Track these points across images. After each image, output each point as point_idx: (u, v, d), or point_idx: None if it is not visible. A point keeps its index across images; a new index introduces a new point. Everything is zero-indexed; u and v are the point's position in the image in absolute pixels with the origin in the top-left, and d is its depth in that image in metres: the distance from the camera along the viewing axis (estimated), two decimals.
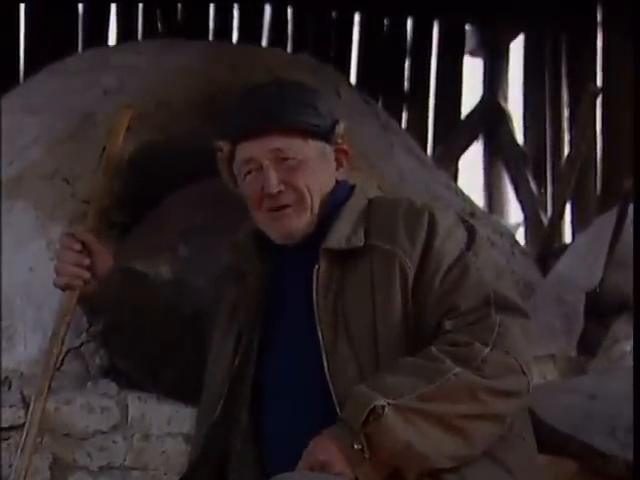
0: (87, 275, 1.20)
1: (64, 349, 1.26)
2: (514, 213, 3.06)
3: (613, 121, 2.61)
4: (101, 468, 1.29)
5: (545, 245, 2.15)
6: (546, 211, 2.90)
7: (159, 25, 2.79)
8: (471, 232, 1.10)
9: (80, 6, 2.74)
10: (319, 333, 1.03)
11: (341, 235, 1.08)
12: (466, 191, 2.02)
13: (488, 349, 0.99)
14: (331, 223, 1.09)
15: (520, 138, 3.05)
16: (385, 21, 2.98)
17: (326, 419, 1.00)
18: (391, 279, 1.04)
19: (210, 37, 2.80)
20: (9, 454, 1.26)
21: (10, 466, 1.20)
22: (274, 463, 1.04)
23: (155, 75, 1.68)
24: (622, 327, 1.73)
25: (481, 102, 3.11)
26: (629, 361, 1.61)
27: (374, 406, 0.95)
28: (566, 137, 2.90)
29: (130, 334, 1.23)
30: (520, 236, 2.81)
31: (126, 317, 1.22)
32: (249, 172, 1.10)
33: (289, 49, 2.84)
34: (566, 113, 2.90)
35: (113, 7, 2.78)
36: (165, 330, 1.22)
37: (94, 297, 1.22)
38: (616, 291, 1.77)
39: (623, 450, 1.33)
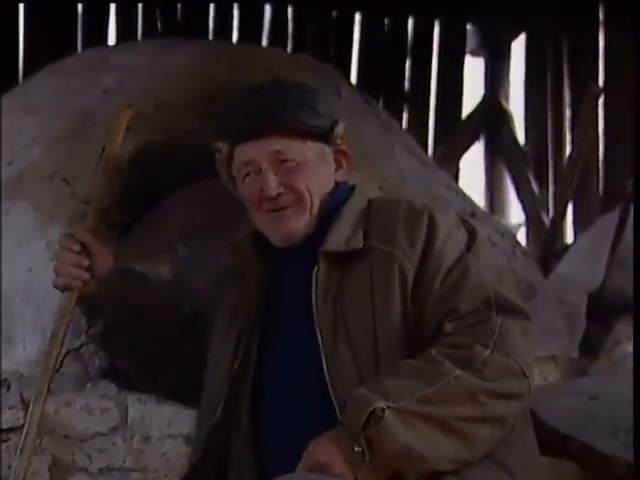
0: (86, 276, 1.20)
1: (63, 350, 1.26)
2: (515, 213, 3.06)
3: (615, 121, 2.60)
4: (101, 470, 1.29)
5: (547, 246, 2.15)
6: (548, 211, 2.90)
7: (159, 25, 2.78)
8: (471, 233, 1.09)
9: (79, 6, 2.74)
10: (318, 335, 1.03)
11: (340, 237, 1.07)
12: (467, 191, 2.01)
13: (488, 351, 0.99)
14: (330, 224, 1.09)
15: (521, 138, 3.05)
16: (386, 21, 2.98)
17: (326, 421, 1.00)
18: (390, 281, 1.04)
19: (210, 37, 2.79)
20: (8, 456, 1.26)
21: (9, 468, 1.20)
22: (274, 465, 1.03)
23: (155, 75, 1.68)
24: (624, 328, 1.72)
25: (482, 102, 3.11)
26: (631, 362, 1.60)
27: (374, 409, 0.95)
28: (568, 137, 2.90)
29: (130, 335, 1.22)
30: (521, 237, 2.81)
31: (126, 318, 1.22)
32: (248, 174, 1.10)
33: (289, 49, 2.84)
34: (568, 113, 2.89)
35: (112, 7, 2.77)
36: (165, 331, 1.21)
37: (93, 298, 1.21)
38: (618, 292, 1.77)
39: (625, 451, 1.33)
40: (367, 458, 0.94)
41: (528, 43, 3.03)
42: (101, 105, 1.61)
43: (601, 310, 1.79)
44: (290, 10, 2.90)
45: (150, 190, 1.55)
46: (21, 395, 1.30)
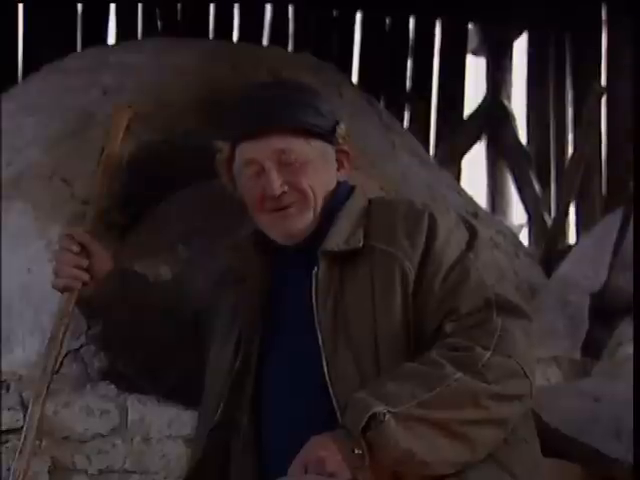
0: (86, 277, 1.19)
1: (63, 351, 1.25)
2: (517, 214, 3.06)
3: (618, 121, 2.59)
4: (100, 471, 1.28)
5: (549, 246, 2.14)
6: (550, 212, 2.89)
7: (159, 24, 2.77)
8: (472, 233, 1.09)
9: (79, 5, 2.73)
10: (319, 335, 1.03)
11: (340, 237, 1.07)
12: (469, 191, 2.01)
13: (489, 353, 0.98)
14: (331, 224, 1.08)
15: (523, 138, 3.04)
16: (387, 20, 2.96)
17: (326, 421, 1.00)
18: (391, 281, 1.04)
19: (210, 36, 2.78)
20: (8, 457, 1.25)
21: (9, 469, 1.19)
22: (274, 465, 1.03)
23: (155, 74, 1.67)
24: (627, 329, 1.71)
25: (484, 102, 3.10)
26: None
27: (374, 413, 0.94)
28: (570, 137, 2.89)
29: (129, 336, 1.22)
30: (524, 237, 2.80)
31: (125, 318, 1.22)
32: (250, 174, 1.09)
33: (290, 48, 2.83)
34: (570, 112, 2.88)
35: (112, 6, 2.76)
36: (165, 331, 1.21)
37: (93, 299, 1.21)
38: (621, 292, 1.76)
39: (628, 453, 1.32)
40: (367, 461, 0.93)
41: (530, 42, 3.02)
42: (101, 105, 1.61)
43: (604, 311, 1.78)
44: (291, 9, 2.89)
45: (150, 190, 1.54)
46: (20, 396, 1.30)
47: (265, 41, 2.85)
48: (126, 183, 1.50)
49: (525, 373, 0.99)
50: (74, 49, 2.61)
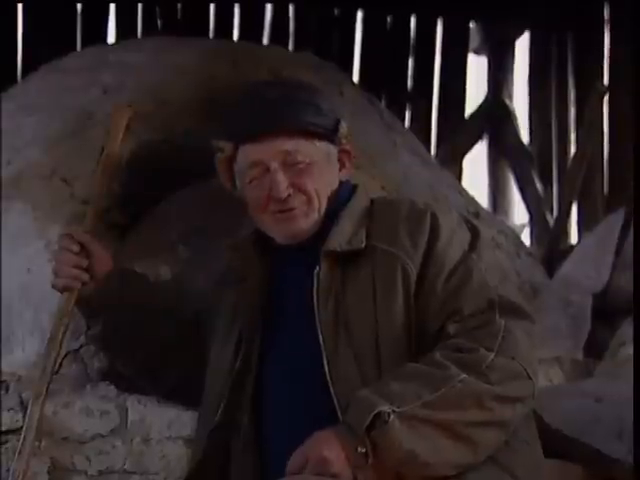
0: (86, 277, 1.19)
1: (62, 352, 1.25)
2: (519, 213, 3.05)
3: (620, 120, 2.58)
4: (100, 472, 1.28)
5: (551, 246, 2.13)
6: (552, 211, 2.89)
7: (159, 23, 2.77)
8: (474, 233, 1.09)
9: (79, 4, 2.72)
10: (320, 335, 1.02)
11: (342, 237, 1.07)
12: (470, 191, 2.00)
13: (493, 355, 0.98)
14: (333, 224, 1.08)
15: (525, 137, 3.03)
16: (388, 19, 2.96)
17: (327, 421, 0.99)
18: (393, 281, 1.03)
19: (211, 35, 2.78)
20: (7, 458, 1.24)
21: (8, 470, 1.18)
22: (275, 466, 1.02)
23: (155, 74, 1.67)
24: (629, 329, 1.71)
25: (486, 101, 3.09)
26: None
27: (379, 412, 0.93)
28: (572, 136, 2.88)
29: (129, 336, 1.22)
30: (525, 237, 2.79)
31: (125, 318, 1.21)
32: (255, 175, 1.08)
33: (291, 47, 2.82)
34: (572, 112, 2.88)
35: (112, 5, 2.75)
36: (165, 331, 1.21)
37: (93, 299, 1.21)
38: (623, 292, 1.75)
39: (630, 454, 1.31)
40: (370, 460, 0.93)
41: (532, 41, 3.01)
42: (100, 104, 1.60)
43: (606, 311, 1.77)
44: (291, 8, 2.88)
45: (150, 190, 1.54)
46: (20, 397, 1.29)
47: (265, 40, 2.84)
48: (126, 183, 1.49)
49: (528, 374, 0.99)
50: (74, 48, 2.60)
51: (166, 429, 1.29)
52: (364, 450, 0.93)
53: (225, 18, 2.83)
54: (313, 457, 0.94)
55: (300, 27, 2.88)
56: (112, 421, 1.29)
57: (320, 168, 1.08)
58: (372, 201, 1.13)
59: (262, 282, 1.10)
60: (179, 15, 2.80)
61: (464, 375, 0.96)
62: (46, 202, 1.51)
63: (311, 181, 1.07)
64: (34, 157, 1.56)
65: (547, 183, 2.93)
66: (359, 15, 2.94)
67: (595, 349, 1.75)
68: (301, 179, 1.07)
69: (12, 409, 1.28)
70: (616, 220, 1.85)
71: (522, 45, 3.06)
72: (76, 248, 1.19)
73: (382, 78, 2.93)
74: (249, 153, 1.08)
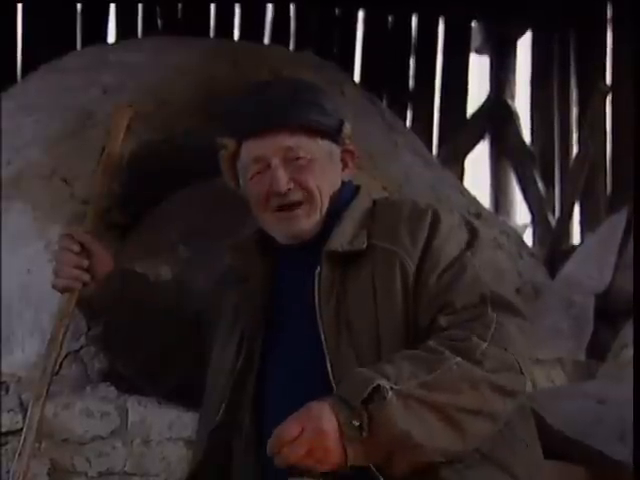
0: (86, 277, 1.19)
1: (63, 352, 1.25)
2: (521, 214, 3.04)
3: (623, 120, 2.57)
4: (100, 474, 1.27)
5: (553, 246, 2.13)
6: (554, 212, 2.88)
7: (159, 22, 2.76)
8: (473, 234, 1.08)
9: (79, 4, 2.72)
10: (322, 335, 1.02)
11: (344, 237, 1.06)
12: (472, 191, 1.99)
13: (486, 344, 0.97)
14: (335, 224, 1.08)
15: (527, 137, 3.02)
16: (389, 18, 2.95)
17: None
18: (392, 278, 1.03)
19: (211, 35, 2.77)
20: (7, 460, 1.24)
21: (8, 472, 1.18)
22: (276, 467, 1.01)
23: (155, 73, 1.66)
24: (632, 331, 1.70)
25: (487, 101, 3.08)
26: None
27: (378, 385, 0.92)
28: (575, 136, 2.87)
29: (130, 336, 1.21)
30: (528, 237, 2.78)
31: (126, 319, 1.21)
32: (257, 171, 1.08)
33: (292, 47, 2.82)
34: (575, 112, 2.86)
35: (112, 5, 2.75)
36: (165, 332, 1.20)
37: (93, 299, 1.20)
38: (626, 293, 1.74)
39: (632, 456, 1.30)
40: (365, 434, 0.91)
41: (534, 41, 3.00)
42: (101, 104, 1.59)
43: (609, 312, 1.77)
44: (292, 7, 2.87)
45: (150, 190, 1.53)
46: (20, 398, 1.29)
47: (266, 40, 2.83)
48: (126, 183, 1.49)
49: (520, 369, 0.98)
50: (74, 48, 2.59)
51: (167, 430, 1.29)
52: (358, 424, 0.91)
53: (226, 18, 2.83)
54: (310, 429, 0.92)
55: (301, 27, 2.88)
56: (112, 422, 1.29)
57: (322, 166, 1.08)
58: (374, 202, 1.13)
59: (264, 282, 1.10)
60: (179, 15, 2.79)
61: (459, 359, 0.95)
62: (46, 202, 1.50)
63: (312, 177, 1.07)
64: (34, 157, 1.55)
65: (549, 183, 2.92)
66: (360, 15, 2.94)
67: (597, 350, 1.74)
68: (302, 175, 1.07)
69: (12, 410, 1.28)
70: (619, 220, 1.85)
71: (524, 44, 3.05)
72: (76, 248, 1.18)
73: (383, 78, 2.92)
74: (251, 149, 1.08)
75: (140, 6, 2.77)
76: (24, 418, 1.17)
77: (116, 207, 1.49)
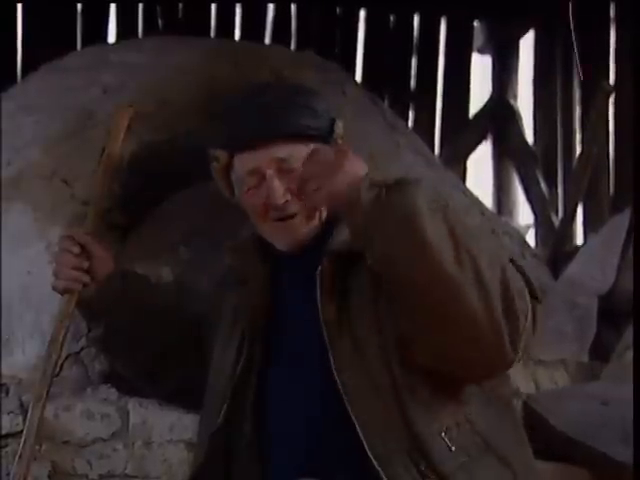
0: (86, 278, 1.18)
1: (63, 354, 1.24)
2: (524, 214, 3.03)
3: (626, 120, 2.56)
4: (101, 476, 1.27)
5: (556, 247, 2.12)
6: (557, 212, 2.86)
7: (159, 22, 2.75)
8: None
9: (79, 4, 2.71)
10: (324, 334, 1.01)
11: (345, 237, 1.05)
12: (474, 192, 1.98)
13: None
14: (334, 226, 1.07)
15: (530, 137, 3.01)
16: (391, 17, 2.94)
17: (331, 422, 0.98)
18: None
19: (212, 34, 2.76)
20: (7, 462, 1.24)
21: (8, 474, 1.18)
22: (278, 467, 1.01)
23: (156, 73, 1.66)
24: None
25: (490, 100, 3.07)
26: None
27: (404, 178, 0.92)
28: (578, 136, 2.85)
29: (130, 338, 1.21)
30: (530, 238, 2.77)
31: (126, 320, 1.20)
32: (252, 184, 1.07)
33: (293, 47, 2.81)
34: (578, 112, 2.85)
35: (112, 5, 2.74)
36: (166, 333, 1.20)
37: (94, 301, 1.19)
38: (629, 294, 1.73)
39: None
40: (383, 195, 0.89)
41: (537, 40, 2.98)
42: (101, 104, 1.59)
43: (612, 313, 1.76)
44: (293, 7, 2.86)
45: (151, 190, 1.53)
46: (20, 400, 1.29)
47: (267, 40, 2.82)
48: (127, 183, 1.48)
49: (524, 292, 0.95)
50: (74, 48, 2.58)
51: (168, 432, 1.28)
52: (381, 188, 0.90)
53: (226, 18, 2.82)
54: (341, 155, 0.90)
55: (302, 26, 2.86)
56: (113, 424, 1.29)
57: None
58: None
59: (264, 284, 1.09)
60: (180, 14, 2.78)
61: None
62: (46, 203, 1.50)
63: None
64: (34, 157, 1.55)
65: (552, 183, 2.91)
66: (362, 14, 2.92)
67: (601, 351, 1.73)
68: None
69: (12, 412, 1.27)
70: (622, 221, 1.84)
71: (527, 44, 3.04)
72: (77, 250, 1.17)
73: (385, 78, 2.91)
74: (244, 162, 1.07)
75: (140, 6, 2.76)
76: (24, 420, 1.16)
77: (117, 208, 1.48)
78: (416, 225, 0.92)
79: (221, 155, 1.08)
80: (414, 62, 2.96)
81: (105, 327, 1.21)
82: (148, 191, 1.53)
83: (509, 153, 3.04)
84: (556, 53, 2.91)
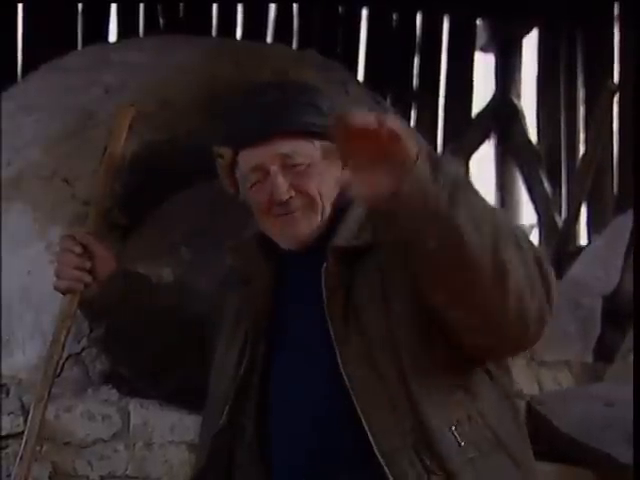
0: (88, 278, 1.18)
1: (64, 355, 1.23)
2: (527, 214, 3.02)
3: (630, 120, 2.54)
4: (102, 477, 1.27)
5: (560, 247, 2.11)
6: (561, 212, 2.86)
7: (161, 21, 2.75)
8: None
9: (79, 4, 2.70)
10: (330, 331, 1.00)
11: (350, 232, 1.05)
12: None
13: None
14: (338, 223, 1.07)
15: (533, 137, 3.00)
16: (394, 16, 2.93)
17: (336, 422, 0.97)
18: (400, 270, 1.00)
19: (213, 34, 2.76)
20: (7, 463, 1.24)
21: (8, 476, 1.18)
22: (280, 468, 1.01)
23: (157, 73, 1.65)
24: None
25: (493, 100, 3.06)
26: None
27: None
28: (581, 136, 2.85)
29: (132, 338, 1.20)
30: (534, 238, 2.77)
31: (128, 321, 1.20)
32: (256, 180, 1.07)
33: (295, 46, 2.80)
34: (582, 111, 2.84)
35: (113, 5, 2.73)
36: (168, 333, 1.19)
37: (95, 301, 1.19)
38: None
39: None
40: (415, 158, 0.87)
41: (540, 39, 2.97)
42: (102, 104, 1.58)
43: (616, 314, 1.75)
44: (295, 6, 2.86)
45: (153, 191, 1.52)
46: (21, 401, 1.28)
47: (269, 39, 2.82)
48: (128, 183, 1.48)
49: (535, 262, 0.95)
50: (75, 47, 2.58)
51: (169, 433, 1.28)
52: (435, 169, 0.88)
53: (228, 17, 2.81)
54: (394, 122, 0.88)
55: (304, 25, 2.86)
56: (114, 425, 1.28)
57: (321, 169, 1.07)
58: None
59: (267, 284, 1.09)
60: (181, 14, 2.78)
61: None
62: (47, 203, 1.49)
63: (312, 182, 1.06)
64: (34, 157, 1.55)
65: (556, 183, 2.90)
66: (364, 13, 2.92)
67: (605, 352, 1.72)
68: (302, 181, 1.06)
69: (13, 413, 1.27)
70: (625, 221, 1.83)
71: (530, 43, 3.02)
72: (78, 249, 1.17)
73: (387, 77, 2.91)
74: (248, 158, 1.07)
75: (141, 5, 2.76)
76: (25, 421, 1.16)
77: (118, 208, 1.48)
78: (466, 183, 0.92)
79: (225, 152, 1.08)
80: (416, 61, 2.96)
81: (106, 327, 1.21)
82: (149, 191, 1.52)
83: (512, 152, 3.03)
84: (560, 52, 2.90)
